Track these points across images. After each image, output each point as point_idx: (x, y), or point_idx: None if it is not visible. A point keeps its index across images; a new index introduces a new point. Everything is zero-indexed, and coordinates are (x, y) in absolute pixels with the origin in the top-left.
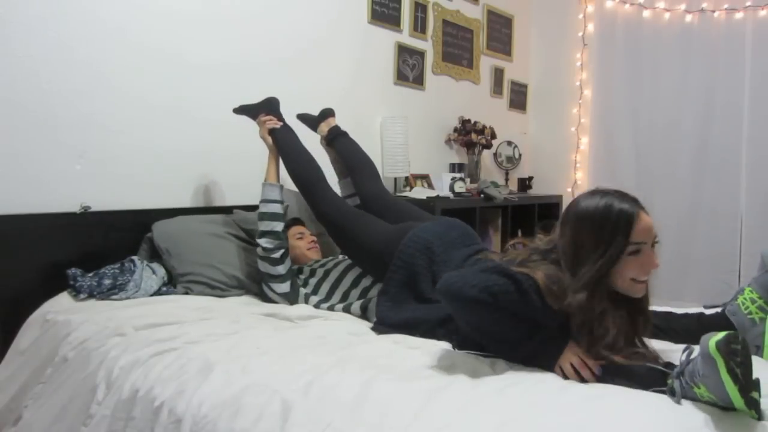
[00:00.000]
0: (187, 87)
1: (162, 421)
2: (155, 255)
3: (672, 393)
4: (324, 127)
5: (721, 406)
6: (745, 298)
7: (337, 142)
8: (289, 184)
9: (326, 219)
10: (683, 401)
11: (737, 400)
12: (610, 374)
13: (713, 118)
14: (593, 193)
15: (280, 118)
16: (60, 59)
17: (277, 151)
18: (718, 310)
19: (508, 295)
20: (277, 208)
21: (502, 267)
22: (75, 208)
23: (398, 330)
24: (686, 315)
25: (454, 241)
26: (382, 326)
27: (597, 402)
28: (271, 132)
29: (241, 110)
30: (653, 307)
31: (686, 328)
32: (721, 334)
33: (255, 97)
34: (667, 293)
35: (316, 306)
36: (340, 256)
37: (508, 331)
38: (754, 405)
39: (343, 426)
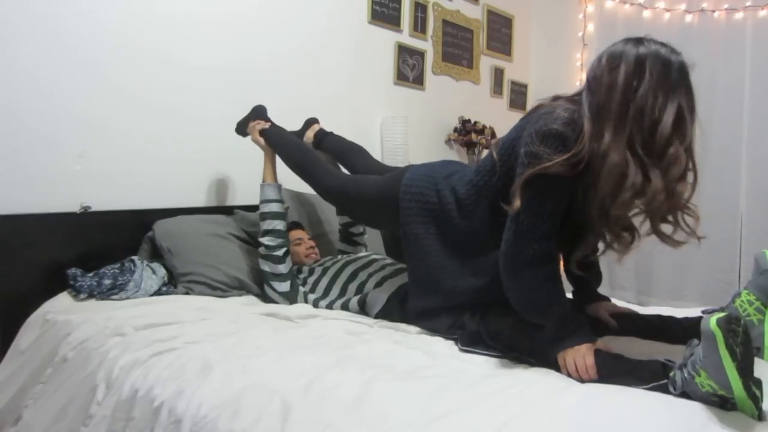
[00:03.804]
0: (187, 87)
1: (162, 422)
2: (156, 254)
3: (673, 385)
4: (310, 134)
5: (721, 402)
6: (742, 301)
7: (324, 141)
8: (287, 184)
9: (330, 193)
10: (683, 402)
11: (735, 380)
12: (609, 369)
13: (713, 118)
14: None
15: (267, 120)
16: (60, 59)
17: (271, 149)
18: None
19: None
20: (276, 207)
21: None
22: (75, 208)
23: (436, 313)
24: (686, 319)
25: (449, 164)
26: (416, 315)
27: (597, 402)
28: (261, 132)
29: (240, 129)
30: (653, 309)
31: (685, 331)
32: (722, 313)
33: (254, 97)
34: (667, 293)
35: (315, 303)
36: (339, 256)
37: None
38: (754, 398)
39: (343, 426)
